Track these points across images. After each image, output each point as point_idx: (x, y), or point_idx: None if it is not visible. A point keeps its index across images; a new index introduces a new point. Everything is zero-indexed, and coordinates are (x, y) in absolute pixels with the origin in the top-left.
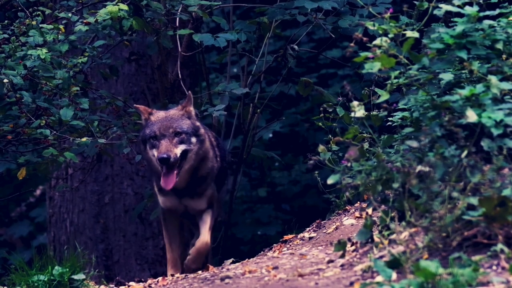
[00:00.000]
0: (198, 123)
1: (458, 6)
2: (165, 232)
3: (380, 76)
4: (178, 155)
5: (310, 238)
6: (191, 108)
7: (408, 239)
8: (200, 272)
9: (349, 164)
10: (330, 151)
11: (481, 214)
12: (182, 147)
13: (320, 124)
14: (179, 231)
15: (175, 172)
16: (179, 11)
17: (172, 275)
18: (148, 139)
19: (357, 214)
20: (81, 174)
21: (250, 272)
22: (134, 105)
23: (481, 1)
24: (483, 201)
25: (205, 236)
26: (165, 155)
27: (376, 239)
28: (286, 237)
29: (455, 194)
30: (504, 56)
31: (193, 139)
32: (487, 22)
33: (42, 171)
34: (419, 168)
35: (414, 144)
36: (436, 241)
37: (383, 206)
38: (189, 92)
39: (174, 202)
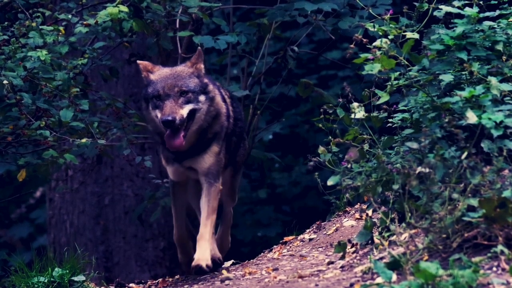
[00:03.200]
0: (206, 80)
1: (458, 7)
2: (173, 207)
3: (380, 77)
4: (185, 116)
5: (310, 239)
6: (201, 66)
7: (408, 241)
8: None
9: (349, 166)
10: (330, 152)
11: (481, 215)
12: (189, 106)
13: (320, 125)
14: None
15: (182, 134)
16: (179, 12)
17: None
18: (151, 99)
19: (357, 215)
20: (81, 176)
21: (250, 273)
22: (137, 61)
23: (481, 2)
24: (483, 202)
25: (198, 254)
26: (169, 117)
27: (376, 240)
28: (286, 239)
29: (455, 195)
30: (504, 57)
31: (201, 97)
32: (487, 23)
33: (42, 173)
34: (419, 169)
35: (414, 145)
36: (436, 242)
37: (383, 208)
38: (199, 48)
39: (181, 168)
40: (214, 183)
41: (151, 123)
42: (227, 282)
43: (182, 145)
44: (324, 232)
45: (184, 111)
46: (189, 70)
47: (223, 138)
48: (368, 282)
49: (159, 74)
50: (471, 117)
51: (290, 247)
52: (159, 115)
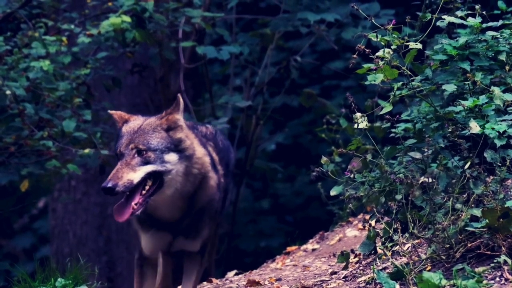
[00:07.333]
0: (180, 135)
1: (461, 18)
2: (137, 279)
3: (383, 87)
4: (136, 181)
5: (313, 249)
6: (177, 116)
7: (411, 251)
8: (204, 283)
9: (352, 176)
10: (333, 162)
11: (484, 225)
12: (146, 168)
13: (323, 135)
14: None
15: (132, 203)
16: (182, 22)
17: None
18: (115, 156)
19: (360, 225)
20: (84, 186)
21: (253, 283)
22: (109, 111)
23: (484, 13)
24: (486, 212)
25: None
26: (108, 184)
27: (379, 250)
28: (289, 249)
29: (458, 205)
30: (507, 67)
31: (170, 157)
32: (490, 33)
33: (45, 183)
34: (422, 179)
35: (417, 155)
36: (439, 252)
37: (386, 218)
38: (179, 95)
39: (162, 239)
40: (199, 268)
41: None
42: None
43: (128, 218)
44: (327, 242)
45: (137, 174)
46: (157, 123)
47: (214, 216)
48: None
49: (128, 127)
50: (474, 127)
51: (293, 257)
52: None
